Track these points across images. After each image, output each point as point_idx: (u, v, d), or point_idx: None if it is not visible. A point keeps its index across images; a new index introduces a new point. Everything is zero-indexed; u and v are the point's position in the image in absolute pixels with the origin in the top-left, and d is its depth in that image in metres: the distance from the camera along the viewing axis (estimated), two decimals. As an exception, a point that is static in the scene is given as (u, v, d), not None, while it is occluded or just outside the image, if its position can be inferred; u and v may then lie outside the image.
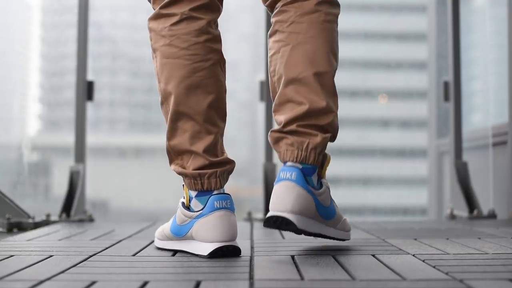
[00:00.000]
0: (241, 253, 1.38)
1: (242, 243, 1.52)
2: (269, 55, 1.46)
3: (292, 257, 1.35)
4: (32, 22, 5.02)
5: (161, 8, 1.44)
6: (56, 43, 5.85)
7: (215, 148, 1.42)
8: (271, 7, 1.50)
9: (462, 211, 2.68)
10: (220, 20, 1.50)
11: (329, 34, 1.42)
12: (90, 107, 2.86)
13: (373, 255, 1.36)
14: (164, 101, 1.43)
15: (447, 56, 2.99)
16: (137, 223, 2.29)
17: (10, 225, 2.24)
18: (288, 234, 1.88)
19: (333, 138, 1.43)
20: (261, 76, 2.86)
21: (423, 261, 1.29)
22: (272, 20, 1.47)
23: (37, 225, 2.30)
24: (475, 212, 2.61)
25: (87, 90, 2.80)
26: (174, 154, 1.43)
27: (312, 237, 1.77)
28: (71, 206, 2.57)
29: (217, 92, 1.42)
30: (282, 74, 1.40)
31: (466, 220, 2.54)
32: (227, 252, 1.36)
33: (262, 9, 2.89)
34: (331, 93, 1.41)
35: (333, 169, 1.49)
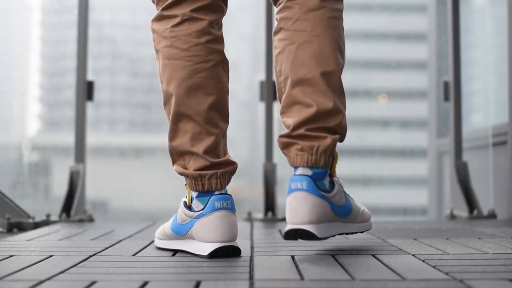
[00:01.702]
0: (241, 253, 1.38)
1: (242, 243, 1.52)
2: (274, 54, 1.45)
3: (292, 257, 1.35)
4: (32, 22, 5.02)
5: (163, 9, 1.44)
6: (56, 43, 5.85)
7: (216, 149, 1.41)
8: (274, 0, 1.49)
9: (462, 211, 2.68)
10: None
11: (335, 31, 1.41)
12: (90, 107, 2.86)
13: (373, 255, 1.36)
14: (166, 102, 1.43)
15: (447, 56, 2.99)
16: (137, 223, 2.29)
17: (10, 225, 2.24)
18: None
19: (341, 139, 1.43)
20: (261, 76, 2.86)
21: (423, 261, 1.29)
22: (277, 17, 1.46)
23: (37, 225, 2.30)
24: (475, 212, 2.61)
25: (87, 90, 2.81)
26: (176, 155, 1.43)
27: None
28: (71, 206, 2.57)
29: (218, 93, 1.42)
30: (289, 75, 1.39)
31: (466, 220, 2.54)
32: (227, 253, 1.36)
33: (262, 9, 2.89)
34: (339, 92, 1.40)
35: (333, 169, 1.49)
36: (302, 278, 1.09)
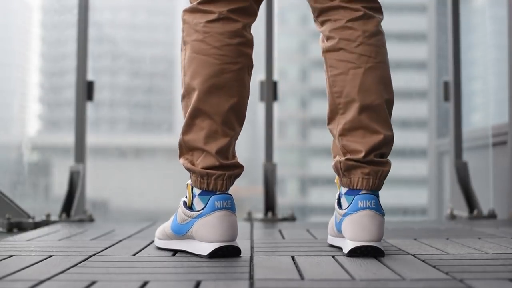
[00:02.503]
0: (241, 253, 1.38)
1: (242, 243, 1.52)
2: (331, 73, 1.44)
3: (292, 257, 1.35)
4: (32, 22, 5.03)
5: (199, 3, 1.43)
6: (56, 43, 5.85)
7: (227, 151, 1.41)
8: (319, 12, 1.47)
9: (462, 211, 2.68)
10: None
11: (388, 59, 1.46)
12: (90, 107, 2.86)
13: (373, 255, 1.36)
14: (186, 95, 1.42)
15: (447, 56, 2.99)
16: (137, 223, 2.29)
17: (10, 225, 2.24)
18: (288, 235, 1.89)
19: None
20: (261, 76, 2.86)
21: (423, 261, 1.29)
22: (331, 34, 1.44)
23: (37, 225, 2.30)
24: (475, 212, 2.61)
25: (87, 90, 2.81)
26: (186, 149, 1.42)
27: (312, 237, 1.78)
28: (71, 206, 2.57)
29: (240, 96, 1.42)
30: (355, 99, 1.40)
31: (466, 220, 2.54)
32: (227, 252, 1.36)
33: (262, 8, 2.89)
34: (390, 119, 1.46)
35: (333, 169, 1.50)
36: (302, 278, 1.09)
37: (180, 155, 1.44)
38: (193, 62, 1.41)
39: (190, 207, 1.43)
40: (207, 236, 1.36)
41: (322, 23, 1.48)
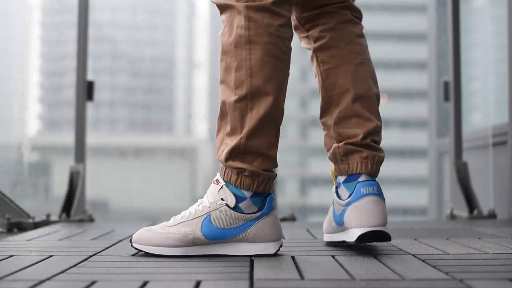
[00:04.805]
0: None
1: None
2: (324, 67, 1.49)
3: (292, 257, 1.35)
4: (32, 22, 5.03)
5: (273, 4, 1.37)
6: (56, 43, 5.86)
7: None
8: (306, 21, 1.52)
9: (462, 211, 2.68)
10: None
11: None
12: (90, 107, 2.86)
13: (373, 255, 1.36)
14: (249, 97, 1.36)
15: (447, 56, 2.98)
16: (137, 223, 2.29)
17: (10, 225, 2.24)
18: (288, 235, 1.89)
19: None
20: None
21: (423, 261, 1.29)
22: (323, 34, 1.49)
23: (37, 225, 2.30)
24: (475, 212, 2.61)
25: (87, 90, 2.80)
26: (241, 152, 1.37)
27: (312, 237, 1.78)
28: (71, 206, 2.57)
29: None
30: (350, 88, 1.45)
31: (466, 220, 2.54)
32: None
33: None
34: None
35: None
36: (302, 278, 1.09)
37: (229, 158, 1.38)
38: (267, 66, 1.36)
39: (235, 208, 1.38)
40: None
41: (309, 29, 1.53)
